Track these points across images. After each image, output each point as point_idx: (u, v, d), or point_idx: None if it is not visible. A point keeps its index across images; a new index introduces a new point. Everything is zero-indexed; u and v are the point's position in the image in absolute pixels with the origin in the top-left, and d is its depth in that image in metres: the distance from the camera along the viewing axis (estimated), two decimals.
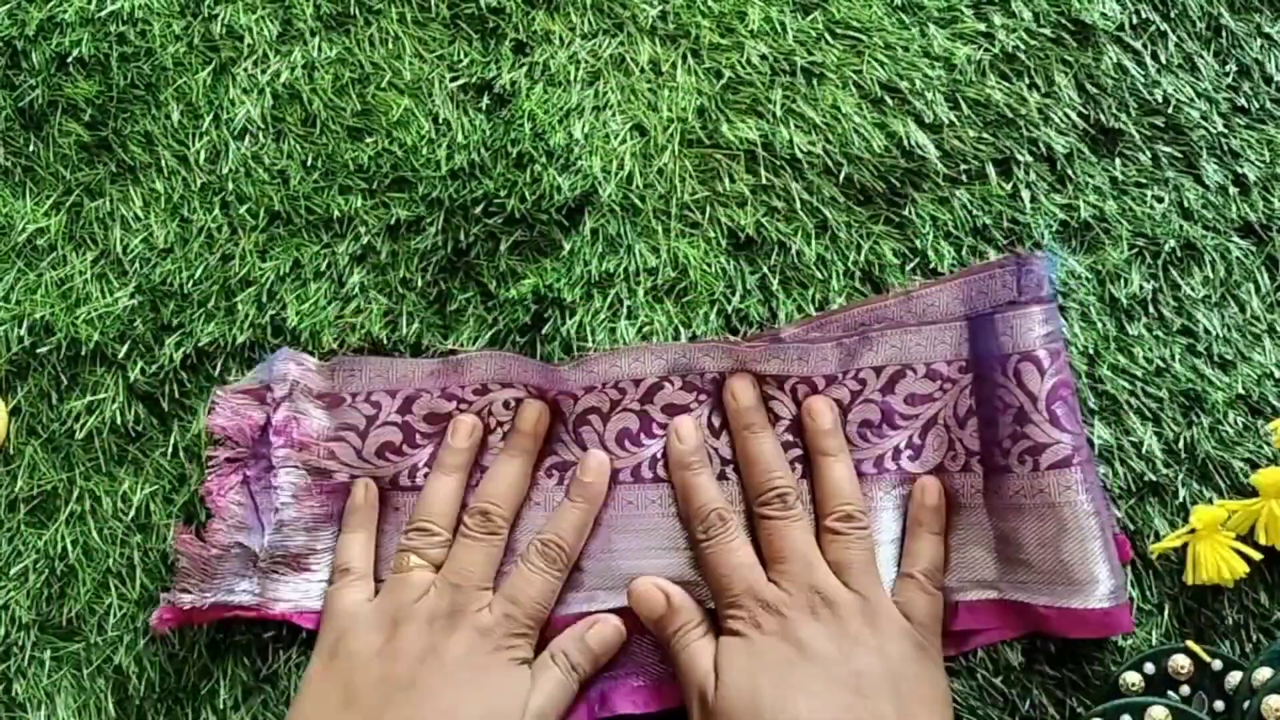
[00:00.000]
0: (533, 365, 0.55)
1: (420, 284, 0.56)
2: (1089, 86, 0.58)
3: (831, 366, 0.55)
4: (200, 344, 0.56)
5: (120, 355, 0.56)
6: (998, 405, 0.53)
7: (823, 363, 0.55)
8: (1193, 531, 0.52)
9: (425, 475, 0.55)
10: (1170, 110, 0.58)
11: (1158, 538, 0.54)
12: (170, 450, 0.56)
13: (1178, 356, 0.55)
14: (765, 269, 0.56)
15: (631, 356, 0.55)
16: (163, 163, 0.58)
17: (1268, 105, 0.58)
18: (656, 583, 0.53)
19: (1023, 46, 0.58)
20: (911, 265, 0.56)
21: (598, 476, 0.54)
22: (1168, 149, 0.58)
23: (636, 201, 0.57)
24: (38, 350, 0.56)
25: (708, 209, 0.57)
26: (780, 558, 0.52)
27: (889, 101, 0.58)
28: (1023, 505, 0.52)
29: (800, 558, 0.52)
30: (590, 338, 0.55)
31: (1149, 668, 0.52)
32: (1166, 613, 0.53)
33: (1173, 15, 0.59)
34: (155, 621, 0.53)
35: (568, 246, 0.56)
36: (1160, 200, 0.57)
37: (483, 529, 0.54)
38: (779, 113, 0.57)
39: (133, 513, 0.55)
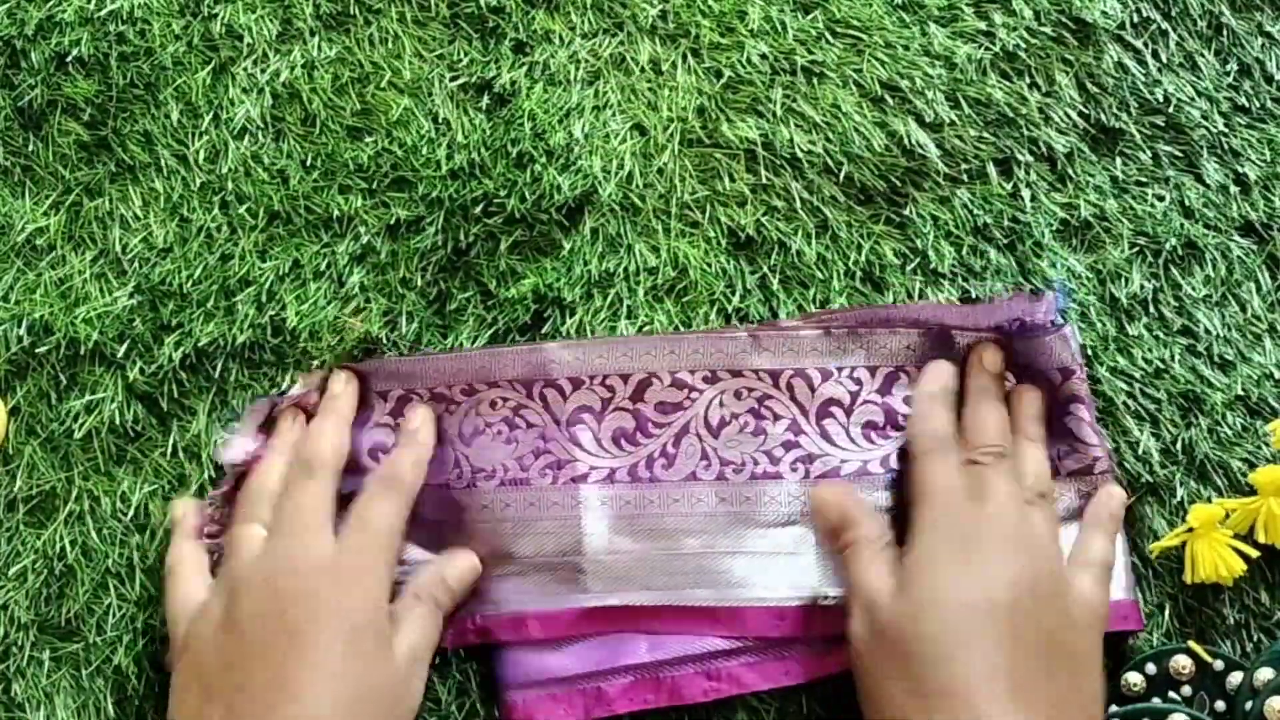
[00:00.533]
0: (515, 356, 0.55)
1: (420, 284, 0.56)
2: (1090, 85, 0.58)
3: (822, 358, 0.55)
4: (200, 344, 0.56)
5: (119, 355, 0.56)
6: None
7: (813, 353, 0.55)
8: (1190, 530, 0.52)
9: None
10: (1171, 109, 0.58)
11: (1157, 538, 0.54)
12: (170, 450, 0.55)
13: (1177, 357, 0.55)
14: (765, 268, 0.56)
15: (620, 350, 0.55)
16: (162, 162, 0.58)
17: (1268, 104, 0.58)
18: (836, 491, 0.53)
19: (1023, 45, 0.58)
20: (912, 265, 0.56)
21: (424, 424, 0.55)
22: (1168, 148, 0.58)
23: (636, 201, 0.57)
24: (37, 350, 0.56)
25: (708, 208, 0.57)
26: (982, 496, 0.51)
27: (889, 100, 0.58)
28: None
29: (1001, 494, 0.51)
30: (591, 337, 0.55)
31: (1150, 668, 0.52)
32: (1167, 613, 0.53)
33: (1173, 14, 0.59)
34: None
35: (568, 246, 0.56)
36: (1161, 199, 0.57)
37: (305, 474, 0.52)
38: (779, 112, 0.57)
39: (132, 513, 0.55)
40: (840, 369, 0.55)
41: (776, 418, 0.55)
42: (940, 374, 0.54)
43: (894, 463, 0.54)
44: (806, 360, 0.55)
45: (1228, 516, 0.52)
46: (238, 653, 0.48)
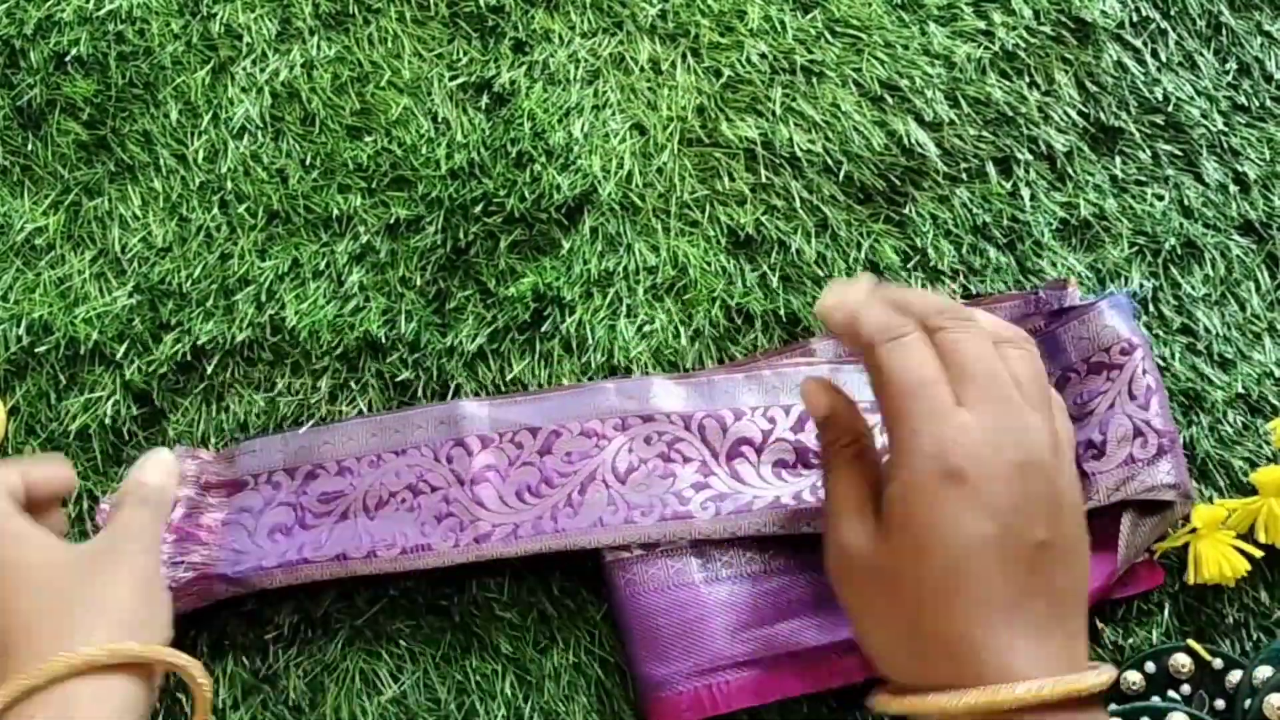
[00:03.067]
0: (429, 415, 0.54)
1: (419, 283, 0.56)
2: (1089, 84, 0.58)
3: (735, 400, 0.54)
4: (199, 343, 0.56)
5: (119, 354, 0.56)
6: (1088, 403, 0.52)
7: (725, 395, 0.54)
8: (1194, 531, 0.52)
9: (304, 562, 0.52)
10: (1170, 108, 0.58)
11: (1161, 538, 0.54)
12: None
13: (1177, 355, 0.55)
14: (765, 267, 0.56)
15: (533, 408, 0.54)
16: (161, 162, 0.58)
17: (1268, 103, 0.58)
18: (824, 385, 0.47)
19: (1023, 44, 0.58)
20: (912, 263, 0.56)
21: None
22: (1168, 147, 0.58)
23: (636, 200, 0.57)
24: (36, 350, 0.56)
25: (707, 207, 0.57)
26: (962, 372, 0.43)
27: (889, 100, 0.58)
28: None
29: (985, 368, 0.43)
30: (590, 335, 0.55)
31: (1150, 666, 0.52)
32: (1167, 611, 0.53)
33: (1173, 13, 0.59)
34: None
35: (567, 245, 0.56)
36: (1160, 198, 0.57)
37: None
38: (778, 111, 0.57)
39: None
40: (755, 409, 0.53)
41: (686, 460, 0.53)
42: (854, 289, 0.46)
43: (807, 497, 0.52)
44: (720, 402, 0.54)
45: (1229, 516, 0.52)
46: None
